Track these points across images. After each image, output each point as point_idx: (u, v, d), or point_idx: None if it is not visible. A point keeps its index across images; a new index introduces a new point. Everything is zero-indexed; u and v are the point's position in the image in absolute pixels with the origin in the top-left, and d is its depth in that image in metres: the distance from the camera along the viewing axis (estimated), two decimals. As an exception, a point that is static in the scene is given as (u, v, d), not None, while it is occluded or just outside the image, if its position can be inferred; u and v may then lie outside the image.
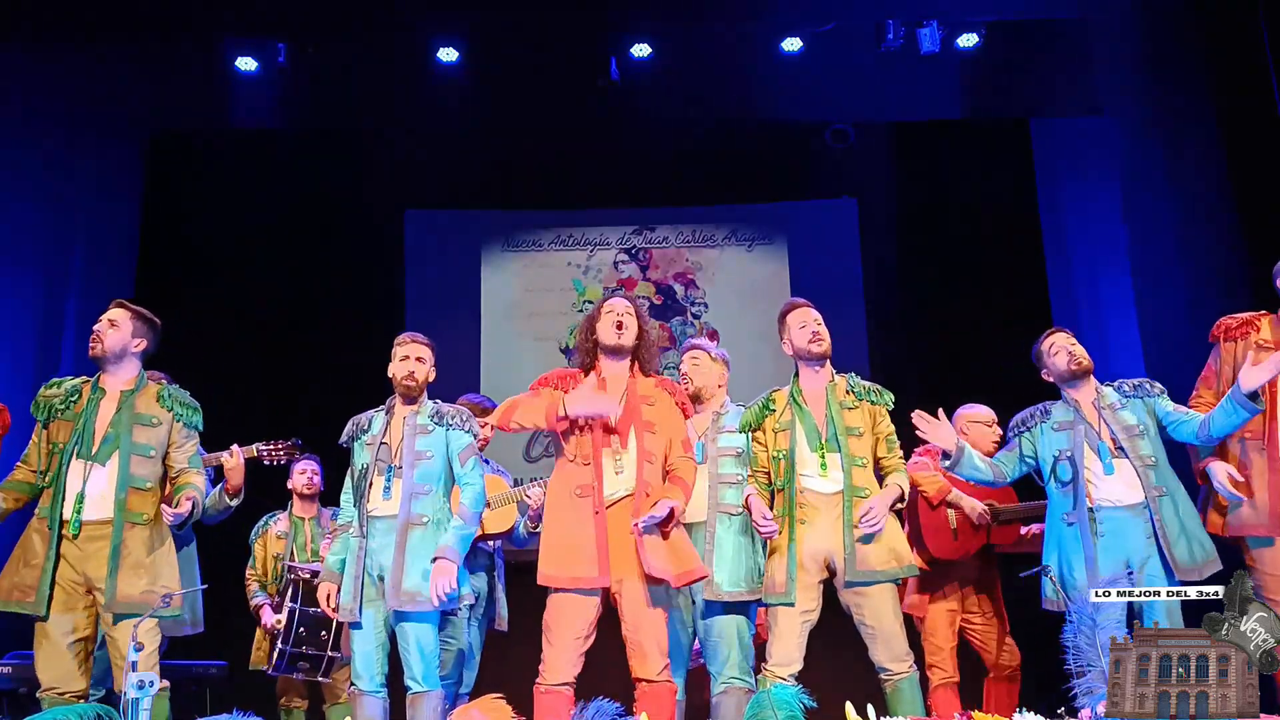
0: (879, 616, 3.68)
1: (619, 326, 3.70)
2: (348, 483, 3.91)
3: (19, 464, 3.82)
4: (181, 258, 7.16)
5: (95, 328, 3.79)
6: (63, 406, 3.75)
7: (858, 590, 3.69)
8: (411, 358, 3.92)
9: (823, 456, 3.76)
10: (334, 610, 3.79)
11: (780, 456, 3.81)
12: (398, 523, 3.74)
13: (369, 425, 3.91)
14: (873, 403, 3.87)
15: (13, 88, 6.23)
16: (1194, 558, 3.69)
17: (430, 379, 3.97)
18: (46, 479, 3.68)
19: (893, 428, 3.88)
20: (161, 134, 7.19)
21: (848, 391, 3.88)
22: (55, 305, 6.47)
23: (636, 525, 3.47)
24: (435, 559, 3.62)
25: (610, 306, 3.76)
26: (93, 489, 3.63)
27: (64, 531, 3.60)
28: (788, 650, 3.69)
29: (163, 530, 3.74)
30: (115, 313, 3.81)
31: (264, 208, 7.33)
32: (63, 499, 3.62)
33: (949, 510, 4.62)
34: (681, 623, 3.94)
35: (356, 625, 3.72)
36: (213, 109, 6.92)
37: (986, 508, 4.52)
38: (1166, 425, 3.88)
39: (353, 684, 3.74)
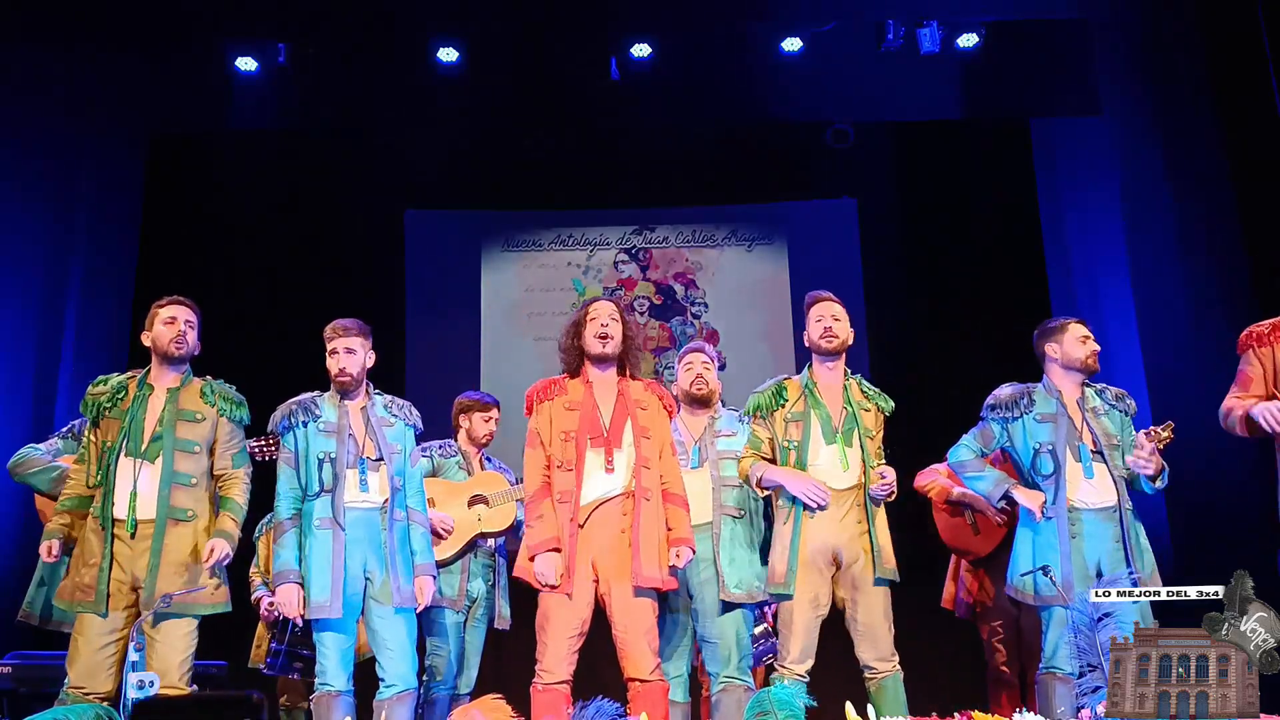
0: (870, 613, 3.71)
1: (603, 337, 3.67)
2: (288, 472, 3.72)
3: (70, 477, 3.75)
4: (182, 258, 7.15)
5: (181, 329, 3.73)
6: (109, 404, 3.69)
7: (857, 586, 3.71)
8: (341, 351, 3.79)
9: (843, 449, 3.78)
10: (299, 611, 3.60)
11: (790, 447, 3.82)
12: (384, 519, 3.72)
13: (319, 410, 3.77)
14: (880, 407, 3.91)
15: (13, 88, 6.22)
16: (1149, 573, 3.80)
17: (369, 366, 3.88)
18: (96, 478, 3.64)
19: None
20: (162, 134, 7.18)
21: (862, 393, 3.91)
22: (55, 305, 6.47)
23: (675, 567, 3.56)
24: (419, 575, 3.74)
25: (595, 313, 3.72)
26: (144, 488, 3.59)
27: (117, 531, 3.57)
28: (802, 647, 3.71)
29: (210, 527, 3.69)
30: (189, 313, 3.79)
31: (264, 208, 7.32)
32: (113, 498, 3.58)
33: (965, 509, 4.63)
34: (682, 624, 3.95)
35: (336, 624, 3.62)
36: (213, 109, 6.91)
37: None
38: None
39: (324, 685, 3.62)
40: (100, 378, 3.83)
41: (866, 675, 3.72)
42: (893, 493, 3.78)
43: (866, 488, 3.77)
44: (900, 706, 3.62)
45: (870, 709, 3.27)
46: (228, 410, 3.78)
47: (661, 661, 3.71)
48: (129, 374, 3.81)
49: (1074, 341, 3.93)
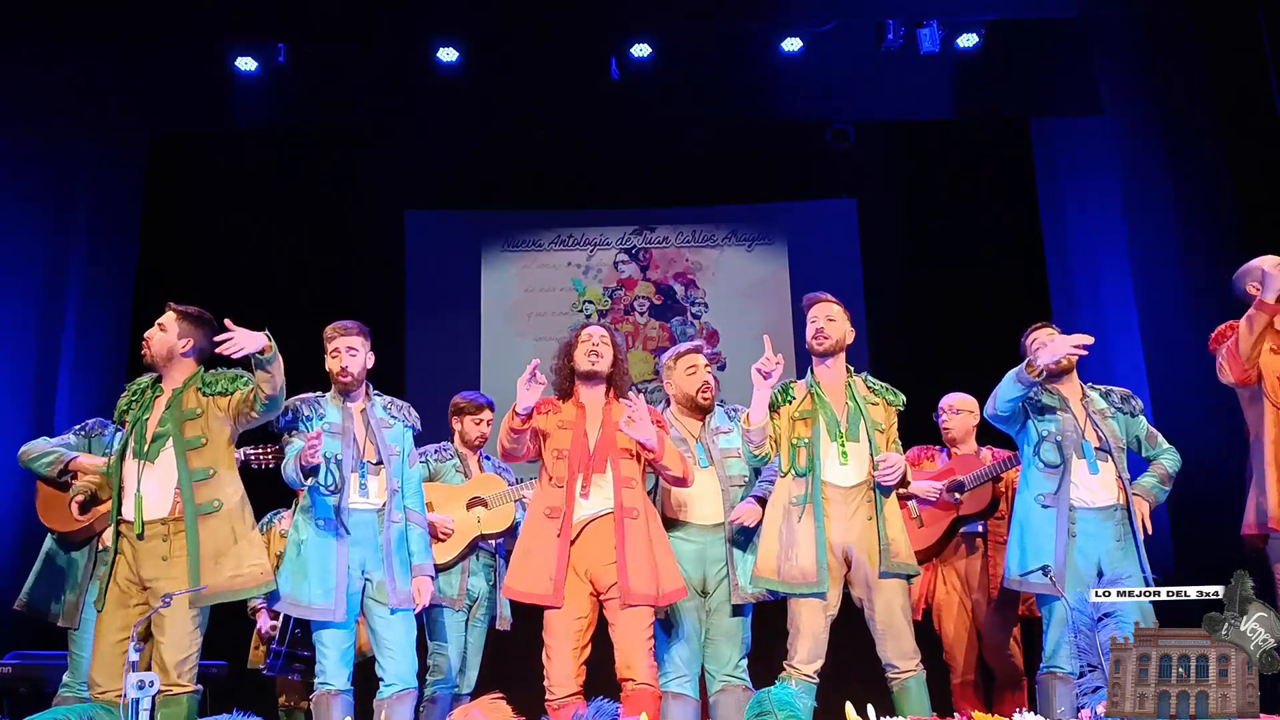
0: (890, 613, 3.69)
1: (594, 355, 3.75)
2: (298, 444, 3.69)
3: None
4: (181, 258, 7.15)
5: (146, 334, 3.76)
6: (127, 408, 3.73)
7: (870, 584, 3.70)
8: (343, 350, 3.85)
9: (843, 446, 3.77)
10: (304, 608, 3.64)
11: (801, 444, 3.80)
12: (382, 521, 3.76)
13: (323, 409, 3.82)
14: (889, 402, 3.91)
15: (13, 88, 6.22)
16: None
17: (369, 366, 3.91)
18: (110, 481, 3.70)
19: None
20: (162, 134, 7.18)
21: (869, 388, 3.91)
22: (55, 305, 6.46)
23: (625, 420, 3.57)
24: (417, 576, 3.77)
25: (587, 335, 3.82)
26: (147, 488, 3.58)
27: (123, 530, 3.58)
28: (812, 647, 3.69)
29: (243, 513, 3.66)
30: (164, 317, 3.79)
31: (264, 208, 7.33)
32: (121, 499, 3.60)
33: (908, 502, 4.58)
34: (694, 632, 3.90)
35: (335, 624, 3.66)
36: (212, 109, 6.90)
37: (944, 484, 4.47)
38: (1140, 447, 3.98)
39: (324, 684, 3.66)
40: (131, 382, 3.84)
41: (889, 675, 3.70)
42: (899, 476, 3.75)
43: (877, 485, 3.76)
44: (924, 709, 3.60)
45: (871, 709, 3.26)
46: (220, 387, 3.70)
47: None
48: (151, 376, 3.82)
49: (1036, 353, 3.90)
